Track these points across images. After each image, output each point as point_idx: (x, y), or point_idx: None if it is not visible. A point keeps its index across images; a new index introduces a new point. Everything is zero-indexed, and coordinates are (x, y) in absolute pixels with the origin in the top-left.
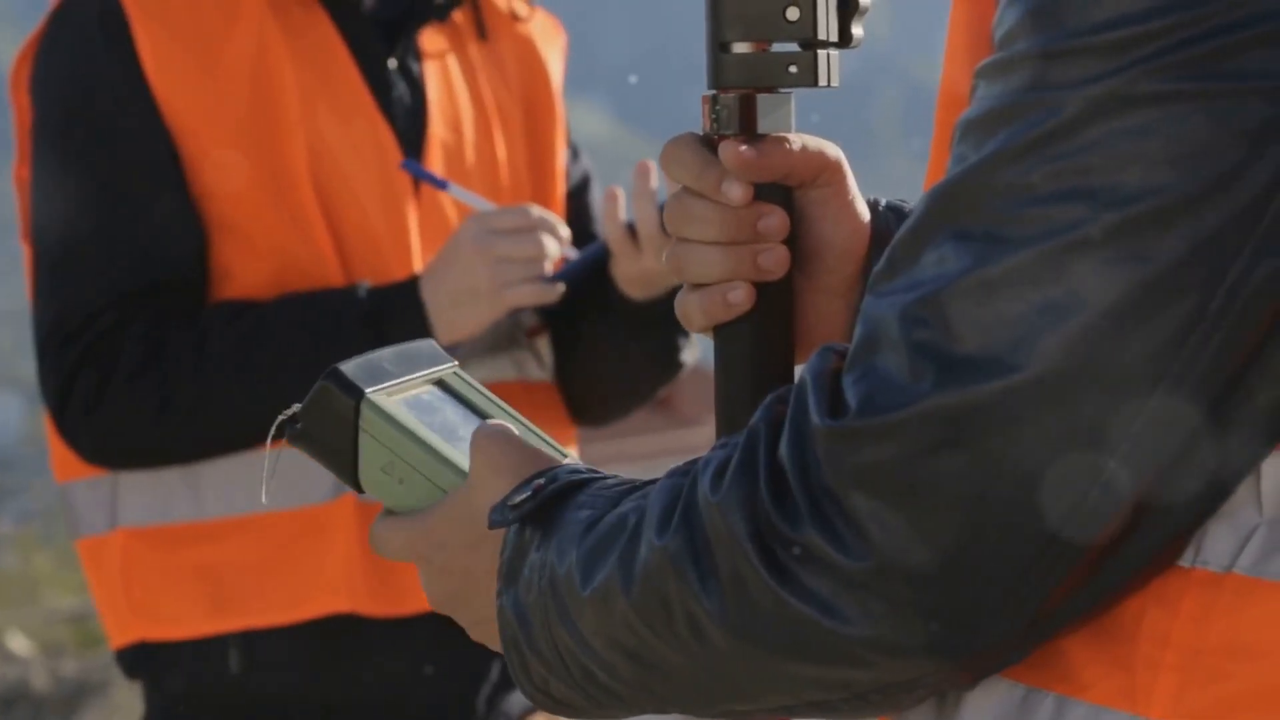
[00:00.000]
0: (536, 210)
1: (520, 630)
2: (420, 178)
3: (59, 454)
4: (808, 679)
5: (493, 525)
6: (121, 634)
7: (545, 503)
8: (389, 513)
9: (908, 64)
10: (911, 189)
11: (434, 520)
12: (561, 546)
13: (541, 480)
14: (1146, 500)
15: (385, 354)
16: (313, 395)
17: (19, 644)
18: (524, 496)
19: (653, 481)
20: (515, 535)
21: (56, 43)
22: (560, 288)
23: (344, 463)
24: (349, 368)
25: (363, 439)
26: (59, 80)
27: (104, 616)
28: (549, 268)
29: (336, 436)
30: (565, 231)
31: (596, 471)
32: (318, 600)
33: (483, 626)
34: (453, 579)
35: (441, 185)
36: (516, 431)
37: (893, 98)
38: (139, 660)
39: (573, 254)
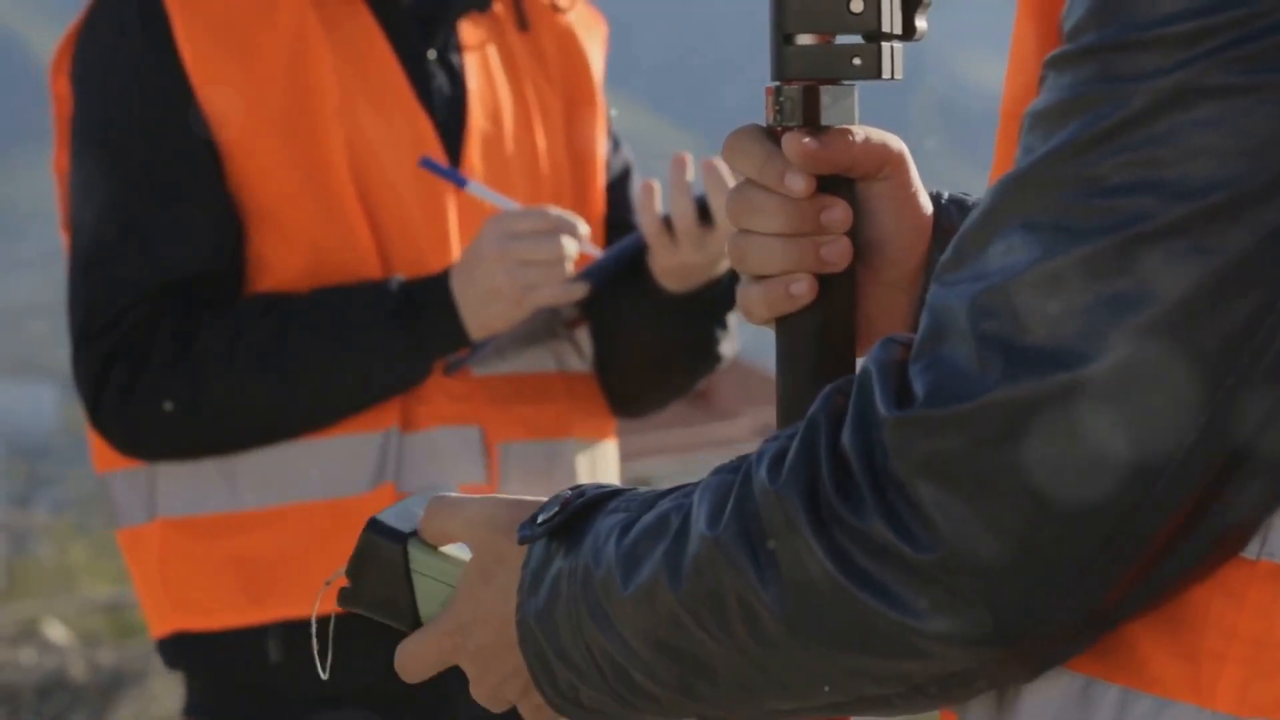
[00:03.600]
0: (555, 211)
1: (546, 638)
2: (439, 175)
3: (98, 445)
4: (865, 671)
5: (521, 541)
6: (161, 624)
7: (573, 515)
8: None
9: (948, 58)
10: (950, 182)
11: (455, 610)
12: (596, 550)
13: (568, 495)
14: (1212, 491)
15: (414, 500)
16: (358, 550)
17: (56, 633)
18: (552, 512)
19: (684, 485)
20: (541, 549)
21: (95, 34)
22: (583, 288)
23: (402, 610)
24: (385, 516)
25: (417, 581)
26: (97, 71)
27: (144, 607)
28: (570, 268)
29: (389, 585)
30: (585, 230)
31: (621, 487)
32: None
33: (531, 697)
34: (490, 657)
35: (461, 183)
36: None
37: (932, 91)
38: (179, 650)
39: (595, 252)
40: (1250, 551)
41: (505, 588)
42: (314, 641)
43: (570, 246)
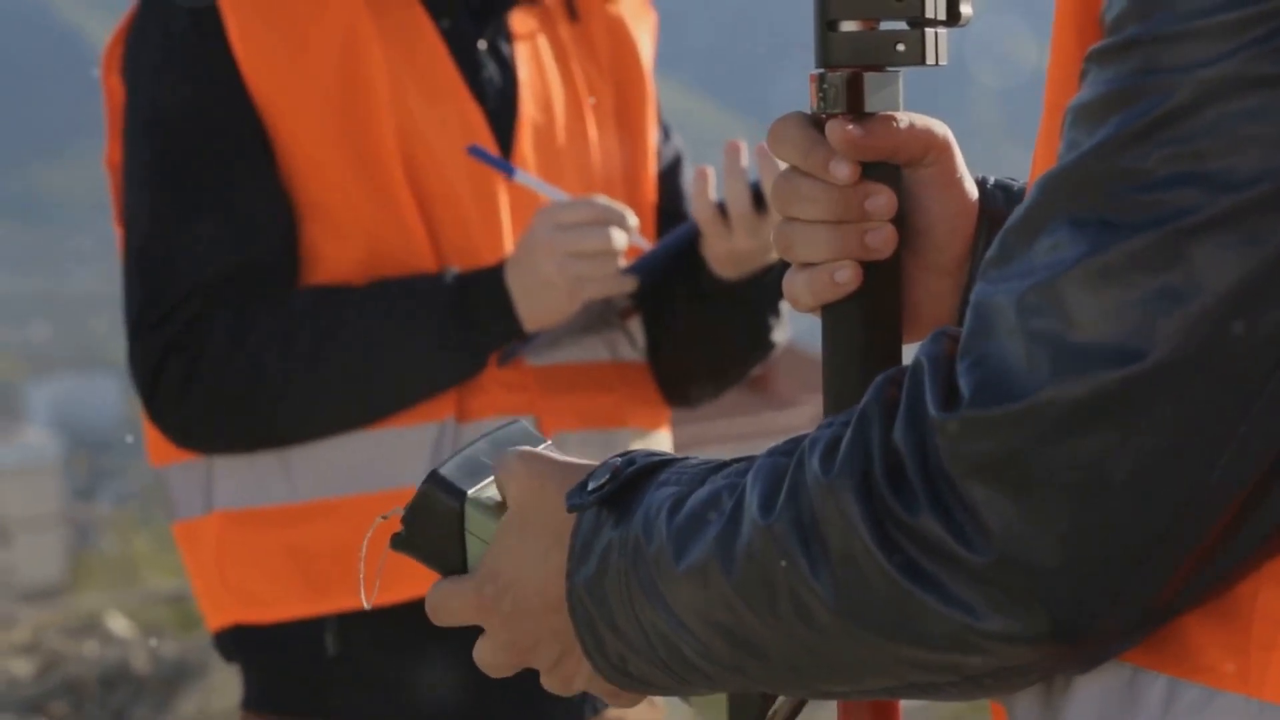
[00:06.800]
0: (604, 201)
1: (596, 608)
2: (487, 163)
3: (153, 438)
4: (918, 662)
5: (571, 509)
6: (218, 616)
7: (624, 485)
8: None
9: (1010, 45)
10: (1011, 170)
11: (492, 565)
12: (648, 523)
13: (619, 462)
14: (1264, 481)
15: (480, 447)
16: (415, 501)
17: (119, 625)
18: (604, 479)
19: (735, 460)
20: (591, 518)
21: (146, 27)
22: (633, 281)
23: (452, 567)
24: (448, 469)
25: (470, 542)
26: (148, 65)
27: (200, 599)
28: (620, 260)
29: (442, 541)
30: (634, 221)
31: (671, 455)
32: (411, 583)
33: (562, 667)
34: (526, 618)
35: (509, 172)
36: (537, 450)
37: (994, 79)
38: (236, 642)
39: (644, 244)
40: None
41: (548, 551)
42: (361, 570)
43: (620, 238)
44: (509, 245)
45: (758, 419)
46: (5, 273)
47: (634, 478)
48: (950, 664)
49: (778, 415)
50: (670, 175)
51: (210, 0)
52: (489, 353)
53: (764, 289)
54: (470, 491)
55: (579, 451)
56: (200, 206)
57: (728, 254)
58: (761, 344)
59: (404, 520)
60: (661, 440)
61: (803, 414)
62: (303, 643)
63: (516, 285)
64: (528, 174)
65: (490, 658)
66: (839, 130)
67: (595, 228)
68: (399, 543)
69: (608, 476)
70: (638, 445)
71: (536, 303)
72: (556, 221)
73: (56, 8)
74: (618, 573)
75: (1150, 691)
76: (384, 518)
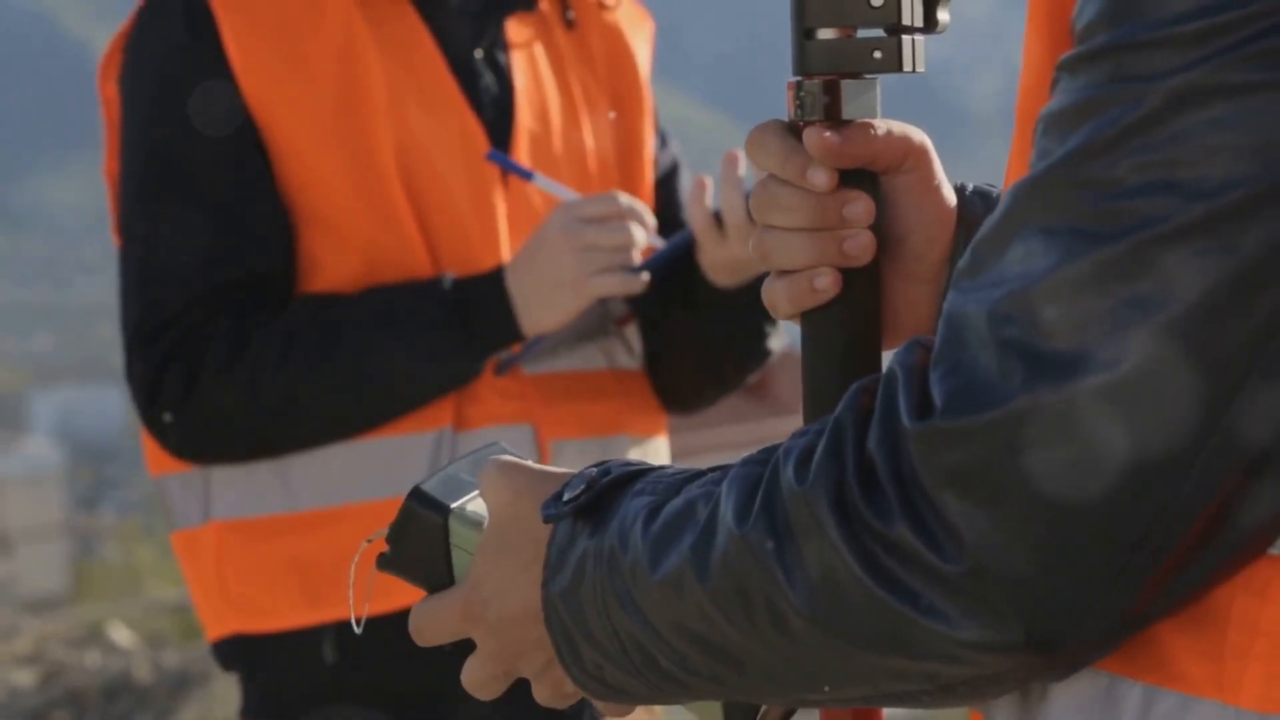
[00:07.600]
0: (624, 197)
1: (571, 618)
2: (507, 168)
3: (152, 448)
4: (893, 671)
5: (546, 519)
6: (217, 626)
7: (600, 494)
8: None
9: (1009, 48)
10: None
11: (476, 575)
12: (623, 533)
13: (594, 473)
14: (1238, 490)
15: (461, 465)
16: (399, 519)
17: (121, 635)
18: (579, 490)
19: (711, 469)
20: (566, 528)
21: (143, 37)
22: (645, 278)
23: (439, 581)
24: (430, 486)
25: (456, 555)
26: (145, 76)
27: (200, 609)
28: (637, 256)
29: (428, 556)
30: (652, 219)
31: (646, 465)
32: (407, 591)
33: (550, 674)
34: (511, 627)
35: (528, 176)
36: (518, 459)
37: (992, 83)
38: (235, 652)
39: (659, 243)
40: (1276, 547)
41: (528, 560)
42: (350, 595)
43: (640, 234)
44: (507, 254)
45: (759, 426)
46: (9, 283)
47: (609, 488)
48: (926, 672)
49: (779, 422)
50: (667, 183)
51: (208, 11)
52: (486, 357)
53: (759, 296)
54: (453, 505)
55: (577, 460)
56: (198, 217)
57: (724, 262)
58: (757, 351)
59: (389, 539)
60: (659, 447)
61: (801, 421)
62: (301, 652)
63: (521, 285)
64: (547, 178)
65: (480, 673)
66: (816, 137)
67: (616, 222)
68: (385, 563)
69: (583, 487)
70: (636, 453)
71: (542, 302)
72: (577, 215)
73: (63, 20)
74: (593, 583)
75: (1127, 699)
76: (369, 541)
